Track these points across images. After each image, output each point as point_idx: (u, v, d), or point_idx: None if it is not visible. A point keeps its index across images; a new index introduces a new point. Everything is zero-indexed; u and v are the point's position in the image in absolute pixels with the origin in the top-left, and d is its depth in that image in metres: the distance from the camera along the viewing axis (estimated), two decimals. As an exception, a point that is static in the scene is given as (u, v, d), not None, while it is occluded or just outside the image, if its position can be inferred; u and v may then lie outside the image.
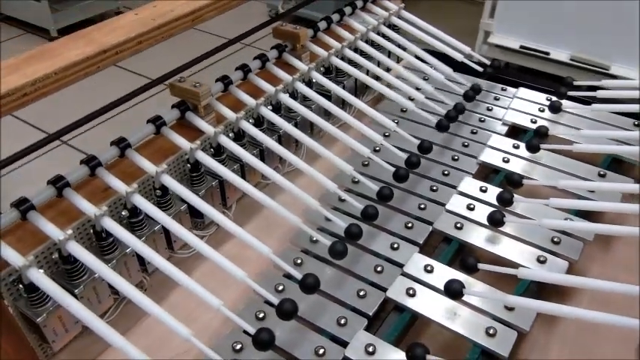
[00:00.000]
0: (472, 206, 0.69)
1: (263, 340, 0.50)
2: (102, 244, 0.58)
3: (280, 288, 0.60)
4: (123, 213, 0.60)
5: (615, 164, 0.78)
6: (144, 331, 0.63)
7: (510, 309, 0.57)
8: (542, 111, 0.85)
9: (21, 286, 0.52)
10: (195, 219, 0.68)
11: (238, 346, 0.55)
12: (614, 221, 0.69)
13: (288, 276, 0.61)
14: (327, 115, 0.83)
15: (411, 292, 0.59)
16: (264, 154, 0.75)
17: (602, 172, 0.73)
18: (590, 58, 2.03)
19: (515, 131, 0.85)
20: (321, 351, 0.54)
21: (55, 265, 0.56)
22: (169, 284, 0.67)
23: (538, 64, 2.17)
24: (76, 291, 0.55)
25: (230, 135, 0.71)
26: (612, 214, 0.71)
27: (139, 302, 0.51)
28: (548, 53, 2.12)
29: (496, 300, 0.56)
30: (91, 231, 0.58)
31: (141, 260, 0.62)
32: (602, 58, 2.01)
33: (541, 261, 0.62)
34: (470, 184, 0.73)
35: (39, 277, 0.50)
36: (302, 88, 0.78)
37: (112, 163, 0.64)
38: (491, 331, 0.55)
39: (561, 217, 0.66)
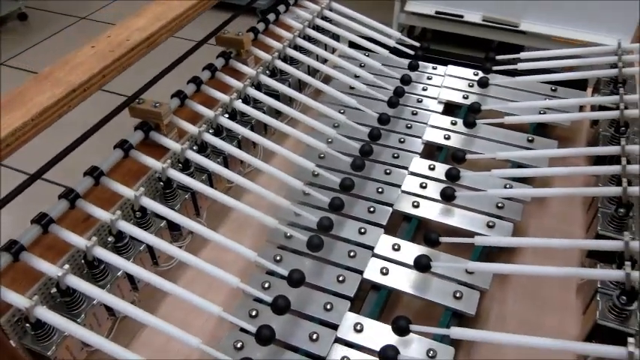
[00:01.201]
0: (424, 184, 0.77)
1: (265, 336, 0.55)
2: (94, 271, 0.61)
3: (267, 285, 0.65)
4: (109, 239, 0.63)
5: (540, 128, 0.88)
6: (142, 345, 0.67)
7: (471, 273, 0.65)
8: (472, 86, 0.94)
9: (27, 324, 0.54)
10: (172, 232, 0.72)
11: (239, 345, 0.60)
12: (545, 182, 0.79)
13: (271, 273, 0.67)
14: (278, 114, 0.87)
15: (384, 271, 0.66)
16: (227, 160, 0.79)
17: (530, 138, 0.83)
18: (500, 17, 2.17)
19: (450, 108, 0.93)
20: (315, 336, 0.60)
21: (53, 299, 0.58)
22: (157, 297, 0.71)
23: (453, 27, 2.29)
24: (78, 320, 0.58)
25: (194, 148, 0.74)
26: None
27: (145, 321, 0.55)
28: (461, 16, 2.24)
29: (458, 267, 0.64)
30: (82, 261, 0.61)
31: (131, 280, 0.65)
32: (511, 17, 2.15)
33: (490, 226, 0.71)
34: (419, 164, 0.80)
35: (46, 313, 0.53)
36: (253, 92, 0.82)
37: (86, 192, 0.66)
38: (457, 295, 0.63)
39: (502, 185, 0.75)
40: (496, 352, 0.63)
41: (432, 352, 0.58)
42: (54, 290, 0.58)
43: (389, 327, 0.59)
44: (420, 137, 0.86)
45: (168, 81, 0.79)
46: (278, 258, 0.69)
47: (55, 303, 0.59)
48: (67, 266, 0.55)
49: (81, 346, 0.59)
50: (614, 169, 0.64)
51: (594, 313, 0.58)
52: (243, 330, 0.61)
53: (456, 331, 0.54)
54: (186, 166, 0.72)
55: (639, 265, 0.59)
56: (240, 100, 0.80)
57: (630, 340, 0.46)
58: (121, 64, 0.60)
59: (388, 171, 0.80)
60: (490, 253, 0.72)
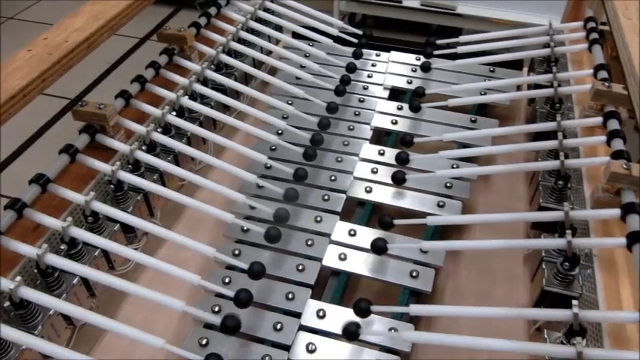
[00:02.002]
0: (375, 170, 0.79)
1: (231, 324, 0.55)
2: (48, 280, 0.59)
3: (227, 280, 0.66)
4: (62, 247, 0.62)
5: (482, 108, 0.91)
6: (105, 350, 0.66)
7: (425, 252, 0.67)
8: (415, 71, 0.96)
9: (-18, 341, 0.52)
10: (127, 235, 0.71)
11: (204, 341, 0.60)
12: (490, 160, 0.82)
13: (231, 267, 0.67)
14: (226, 108, 0.87)
15: (342, 256, 0.68)
16: (177, 158, 0.78)
17: (473, 119, 0.86)
18: (438, 1, 2.22)
19: (395, 93, 0.95)
20: (279, 326, 0.61)
21: (6, 312, 0.57)
22: (115, 302, 0.71)
23: (392, 13, 2.32)
24: (35, 332, 0.56)
25: (143, 148, 0.73)
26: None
27: (106, 326, 0.54)
28: (400, 1, 2.28)
29: (413, 247, 0.67)
30: (35, 271, 0.59)
31: (88, 287, 0.64)
32: (448, 0, 2.20)
33: (440, 205, 0.74)
34: (369, 150, 0.82)
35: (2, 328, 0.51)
36: (200, 88, 0.81)
37: (33, 201, 0.64)
38: (414, 274, 0.65)
39: (449, 165, 0.78)
40: (453, 324, 0.66)
41: (393, 329, 0.60)
42: (7, 304, 0.56)
43: (351, 310, 0.61)
44: (368, 124, 0.87)
45: (111, 81, 0.78)
46: (237, 252, 0.69)
47: (9, 317, 0.57)
48: (18, 278, 0.54)
49: (41, 358, 0.58)
50: (552, 143, 0.68)
51: (541, 280, 0.61)
52: (207, 326, 0.62)
53: (415, 308, 0.56)
54: (136, 167, 0.71)
55: (579, 233, 0.63)
56: (186, 96, 0.79)
57: (574, 302, 0.50)
58: (61, 67, 0.59)
59: (339, 159, 0.81)
60: (442, 231, 0.75)
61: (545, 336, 0.56)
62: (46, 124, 0.67)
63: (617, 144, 0.64)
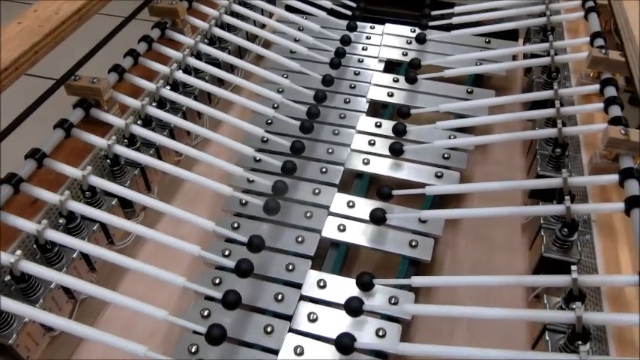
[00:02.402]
0: (372, 142, 0.79)
1: (232, 300, 0.55)
2: (48, 255, 0.59)
3: (227, 253, 0.66)
4: (60, 221, 0.61)
5: (478, 80, 0.91)
6: (106, 323, 0.67)
7: (424, 221, 0.68)
8: (410, 43, 0.95)
9: (-17, 314, 0.52)
10: (125, 210, 0.70)
11: (206, 313, 0.60)
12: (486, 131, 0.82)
13: (231, 241, 0.67)
14: (221, 82, 0.86)
15: (341, 227, 0.68)
16: (173, 133, 0.78)
17: (469, 90, 0.86)
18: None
19: (391, 66, 0.94)
20: (280, 296, 0.61)
21: (7, 287, 0.57)
22: (115, 277, 0.71)
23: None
24: (37, 305, 0.56)
25: (138, 123, 0.72)
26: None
27: (108, 298, 0.54)
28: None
29: (412, 217, 0.67)
30: (34, 246, 0.59)
31: (88, 261, 0.63)
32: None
33: (438, 176, 0.74)
34: (366, 122, 0.82)
35: (3, 301, 0.51)
36: (194, 62, 0.80)
37: (29, 176, 0.63)
38: (413, 243, 0.66)
39: (446, 136, 0.78)
40: (453, 294, 0.67)
41: (394, 299, 0.60)
42: (8, 278, 0.56)
43: (351, 280, 0.61)
44: (364, 96, 0.87)
45: (100, 60, 0.76)
46: (235, 225, 0.69)
47: (10, 291, 0.57)
48: (19, 252, 0.53)
49: (43, 332, 0.58)
50: (549, 111, 0.68)
51: (540, 247, 0.61)
52: (208, 298, 0.62)
53: (417, 280, 0.56)
54: (132, 141, 0.71)
55: (577, 200, 0.63)
56: (180, 70, 0.78)
57: (573, 267, 0.50)
58: (53, 39, 0.57)
59: (336, 131, 0.81)
60: (440, 202, 0.75)
61: (545, 302, 0.56)
62: (33, 104, 0.65)
63: (615, 110, 0.64)
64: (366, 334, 0.57)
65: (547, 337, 0.53)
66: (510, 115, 0.71)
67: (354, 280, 0.60)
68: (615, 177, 0.58)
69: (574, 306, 0.48)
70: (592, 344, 0.50)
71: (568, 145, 0.68)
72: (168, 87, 0.77)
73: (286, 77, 0.87)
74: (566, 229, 0.59)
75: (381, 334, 0.57)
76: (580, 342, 0.48)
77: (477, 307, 0.51)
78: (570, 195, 0.58)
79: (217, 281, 0.63)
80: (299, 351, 0.56)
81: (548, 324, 0.54)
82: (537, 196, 0.69)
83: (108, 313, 0.67)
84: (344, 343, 0.52)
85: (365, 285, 0.58)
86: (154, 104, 0.75)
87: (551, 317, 0.51)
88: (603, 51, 0.69)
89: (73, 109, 0.68)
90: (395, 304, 0.60)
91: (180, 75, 0.77)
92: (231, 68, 0.90)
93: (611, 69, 0.70)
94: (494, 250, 0.74)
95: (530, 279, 0.58)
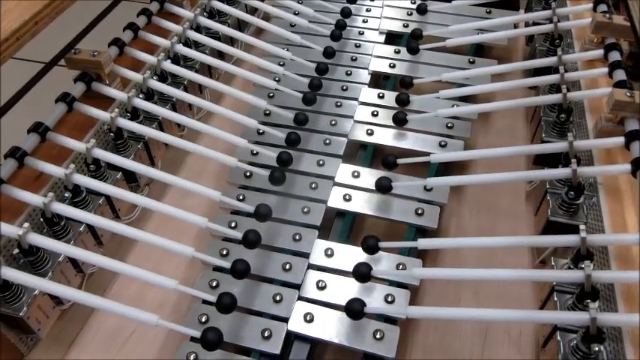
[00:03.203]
0: (376, 113, 0.78)
1: (240, 269, 0.55)
2: (55, 229, 0.59)
3: (233, 225, 0.65)
4: (66, 195, 0.61)
5: (479, 51, 0.90)
6: (115, 296, 0.67)
7: (429, 190, 0.68)
8: (411, 14, 0.95)
9: (-8, 288, 0.52)
10: (130, 184, 0.70)
11: (214, 283, 0.60)
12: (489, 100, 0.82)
13: (237, 213, 0.67)
14: (221, 56, 0.85)
15: (347, 197, 0.68)
16: (175, 107, 0.77)
17: (471, 60, 0.85)
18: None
19: (392, 37, 0.94)
20: (288, 266, 0.61)
21: (16, 260, 0.57)
22: (122, 251, 0.71)
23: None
24: (46, 278, 0.56)
25: (140, 96, 0.72)
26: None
27: (118, 269, 0.54)
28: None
29: (417, 186, 0.67)
30: (41, 220, 0.59)
31: (95, 235, 0.63)
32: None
33: (442, 145, 0.74)
34: (368, 93, 0.82)
35: (12, 273, 0.51)
36: (194, 35, 0.79)
37: (32, 150, 0.63)
38: (419, 211, 0.66)
39: (449, 105, 0.78)
40: (460, 260, 0.67)
41: (401, 265, 0.60)
42: (16, 251, 0.56)
43: (358, 249, 0.61)
44: (366, 68, 0.86)
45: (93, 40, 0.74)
46: (241, 197, 0.69)
47: (18, 265, 0.57)
48: (26, 224, 0.53)
49: (52, 305, 0.58)
50: (553, 78, 0.68)
51: (546, 211, 0.62)
52: (216, 270, 0.62)
53: (424, 242, 0.56)
54: (134, 115, 0.70)
55: (582, 164, 0.63)
56: (181, 44, 0.78)
57: (582, 227, 0.50)
58: (53, 9, 0.57)
59: (339, 103, 0.81)
60: (444, 172, 0.74)
61: (553, 263, 0.56)
62: (23, 88, 0.63)
63: (619, 74, 0.64)
64: (374, 301, 0.58)
65: (555, 298, 0.53)
66: (513, 82, 0.71)
67: (361, 249, 0.61)
68: (621, 139, 0.58)
69: (583, 265, 0.48)
70: (600, 303, 0.51)
71: (573, 111, 0.68)
72: (169, 60, 0.76)
73: (287, 49, 0.86)
74: (572, 192, 0.59)
75: (389, 299, 0.58)
76: (589, 300, 0.48)
77: (485, 269, 0.51)
78: (576, 158, 0.58)
79: (225, 252, 0.63)
80: (309, 318, 0.57)
81: (557, 285, 0.54)
82: (542, 162, 0.69)
83: (116, 287, 0.67)
84: (354, 307, 0.52)
85: (371, 248, 0.58)
86: (155, 78, 0.74)
87: (560, 277, 0.52)
88: (607, 16, 0.69)
89: (74, 83, 0.67)
90: (403, 269, 0.60)
91: (180, 48, 0.77)
92: (231, 42, 0.89)
93: (615, 34, 0.70)
94: (498, 218, 0.74)
95: (538, 239, 0.57)
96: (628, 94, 0.59)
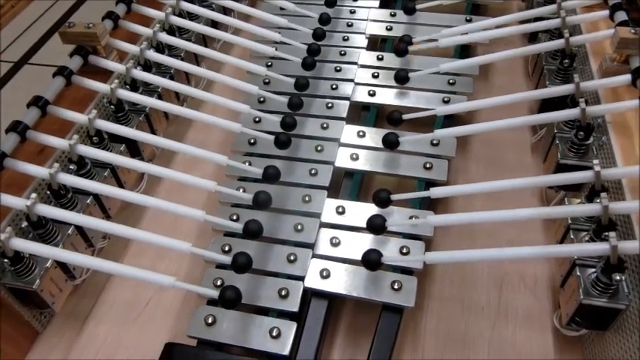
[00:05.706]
0: (376, 74, 0.78)
1: (253, 229, 0.55)
2: (62, 201, 0.58)
3: (242, 190, 0.65)
4: (71, 167, 0.60)
5: (475, 9, 0.90)
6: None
7: (436, 144, 0.67)
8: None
9: (5, 260, 0.51)
10: (133, 157, 0.69)
11: (227, 248, 0.60)
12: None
13: (244, 179, 0.66)
14: (215, 26, 0.84)
15: (354, 156, 0.67)
16: (174, 79, 0.76)
17: (468, 18, 0.85)
18: None
19: (386, 1, 0.93)
20: (300, 227, 0.61)
21: (25, 234, 0.56)
22: (130, 223, 0.70)
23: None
24: (57, 251, 0.56)
25: (138, 68, 0.71)
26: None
27: (132, 236, 0.53)
28: None
29: (425, 141, 0.66)
30: (47, 192, 0.58)
31: (102, 208, 0.63)
32: None
33: (445, 101, 0.73)
34: (367, 56, 0.81)
35: (24, 244, 0.50)
36: (188, 5, 0.78)
37: (34, 124, 0.62)
38: (427, 165, 0.65)
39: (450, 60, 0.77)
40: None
41: (414, 217, 0.60)
42: (25, 225, 0.55)
43: (369, 205, 0.61)
44: (362, 33, 0.85)
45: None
46: (247, 164, 0.68)
47: (28, 238, 0.56)
48: (34, 195, 0.52)
49: (65, 278, 0.57)
50: (554, 22, 0.67)
51: (555, 156, 0.61)
52: (227, 234, 0.61)
53: (436, 191, 0.56)
54: (133, 87, 0.69)
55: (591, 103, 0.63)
56: (175, 15, 0.77)
57: (595, 161, 0.50)
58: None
59: (338, 68, 0.80)
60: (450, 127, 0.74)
61: (567, 203, 0.56)
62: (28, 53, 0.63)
63: (621, 15, 0.64)
64: (390, 254, 0.57)
65: (572, 236, 0.53)
66: (513, 28, 0.71)
67: (372, 205, 0.60)
68: (628, 77, 0.58)
69: (598, 199, 0.48)
70: (617, 234, 0.50)
71: (576, 56, 0.68)
72: (165, 32, 0.75)
73: (279, 33, 0.83)
74: (582, 133, 0.59)
75: (404, 251, 0.57)
76: (608, 232, 0.48)
77: (501, 211, 0.51)
78: (584, 99, 0.58)
79: (235, 217, 0.62)
80: (325, 274, 0.56)
81: (572, 224, 0.54)
82: (547, 110, 0.69)
83: (126, 261, 0.67)
84: (371, 258, 0.52)
85: (382, 201, 0.57)
86: (152, 49, 0.73)
87: (578, 211, 0.51)
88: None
89: (70, 58, 0.66)
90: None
91: (175, 19, 0.75)
92: (224, 11, 0.88)
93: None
94: (505, 171, 0.74)
95: (552, 177, 0.56)
96: (632, 31, 0.59)
